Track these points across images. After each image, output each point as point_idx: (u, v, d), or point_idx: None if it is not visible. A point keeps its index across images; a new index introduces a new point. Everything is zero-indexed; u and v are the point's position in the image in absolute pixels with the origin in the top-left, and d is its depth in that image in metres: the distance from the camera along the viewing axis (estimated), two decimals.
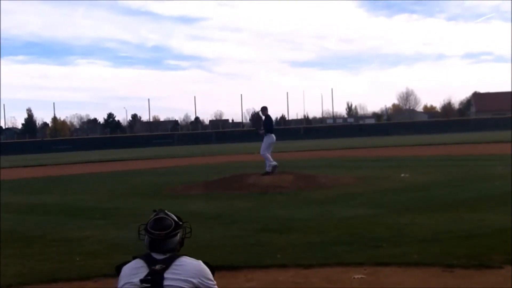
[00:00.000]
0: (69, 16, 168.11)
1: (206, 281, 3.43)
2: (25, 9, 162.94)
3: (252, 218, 11.82)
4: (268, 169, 17.92)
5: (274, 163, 18.18)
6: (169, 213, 3.58)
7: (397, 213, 11.52)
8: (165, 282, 3.32)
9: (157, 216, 3.54)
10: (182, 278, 3.35)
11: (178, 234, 3.53)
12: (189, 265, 3.41)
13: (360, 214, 11.61)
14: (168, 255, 3.45)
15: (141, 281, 3.34)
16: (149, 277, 3.34)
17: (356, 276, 7.06)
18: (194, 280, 3.37)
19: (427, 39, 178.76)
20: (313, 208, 12.89)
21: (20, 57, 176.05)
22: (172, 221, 3.52)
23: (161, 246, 3.46)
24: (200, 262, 3.49)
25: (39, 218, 13.41)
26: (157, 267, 3.36)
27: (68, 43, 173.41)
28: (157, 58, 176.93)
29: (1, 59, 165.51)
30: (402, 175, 19.15)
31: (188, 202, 15.03)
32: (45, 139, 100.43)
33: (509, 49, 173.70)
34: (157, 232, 3.46)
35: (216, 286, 3.48)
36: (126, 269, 3.48)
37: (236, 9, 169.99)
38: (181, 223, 3.58)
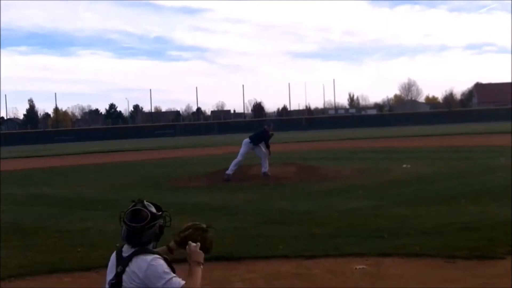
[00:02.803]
0: (73, 7, 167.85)
1: (155, 281, 3.36)
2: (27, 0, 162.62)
3: (254, 209, 11.82)
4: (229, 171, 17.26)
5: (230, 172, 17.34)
6: (147, 203, 3.55)
7: (399, 204, 11.52)
8: (123, 284, 3.40)
9: (134, 208, 3.53)
10: (135, 281, 3.38)
11: (156, 225, 3.51)
12: (139, 267, 3.40)
13: (362, 205, 11.60)
14: (132, 251, 3.45)
15: (109, 283, 3.47)
16: (114, 281, 3.44)
17: (358, 267, 7.07)
18: (146, 281, 3.37)
19: (429, 30, 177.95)
20: (315, 199, 12.88)
21: (23, 48, 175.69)
22: (149, 213, 3.49)
23: (137, 237, 3.47)
24: (151, 259, 3.41)
25: (40, 210, 13.42)
26: (118, 269, 3.44)
27: (71, 34, 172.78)
28: (159, 49, 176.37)
29: (4, 49, 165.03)
30: (404, 165, 19.14)
31: (190, 193, 15.05)
32: (46, 130, 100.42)
33: (511, 40, 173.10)
34: (133, 225, 3.46)
35: (170, 280, 3.34)
36: (109, 262, 3.56)
37: (239, 0, 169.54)
38: (159, 213, 3.55)
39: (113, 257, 3.55)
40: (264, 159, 17.29)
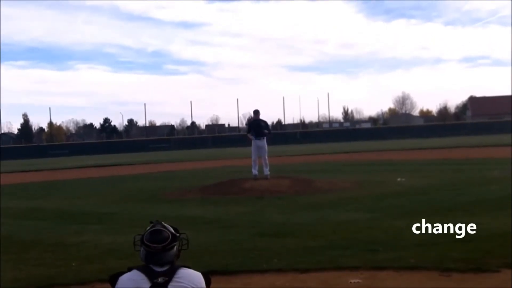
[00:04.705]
0: (71, 21, 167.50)
1: None
2: (27, 15, 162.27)
3: (249, 222, 11.81)
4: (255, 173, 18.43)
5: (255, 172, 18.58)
6: (166, 224, 3.51)
7: (394, 217, 11.51)
8: None
9: (153, 228, 3.48)
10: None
11: (175, 247, 3.47)
12: (191, 275, 3.39)
13: (356, 218, 11.61)
14: (167, 267, 3.40)
15: None
16: None
17: (352, 281, 7.06)
18: None
19: (425, 43, 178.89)
20: (309, 212, 12.88)
21: (21, 62, 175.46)
22: (169, 233, 3.45)
23: (158, 259, 3.40)
24: (200, 273, 3.47)
25: (35, 223, 13.38)
26: (160, 280, 3.34)
27: (69, 49, 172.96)
28: (157, 63, 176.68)
29: (1, 64, 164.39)
30: (399, 179, 19.14)
31: (184, 206, 15.02)
32: (41, 144, 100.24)
33: (506, 53, 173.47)
34: (154, 245, 3.40)
35: None
36: (124, 281, 3.42)
37: (237, 14, 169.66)
38: (178, 234, 3.52)
39: (134, 274, 3.42)
40: (266, 163, 18.32)
